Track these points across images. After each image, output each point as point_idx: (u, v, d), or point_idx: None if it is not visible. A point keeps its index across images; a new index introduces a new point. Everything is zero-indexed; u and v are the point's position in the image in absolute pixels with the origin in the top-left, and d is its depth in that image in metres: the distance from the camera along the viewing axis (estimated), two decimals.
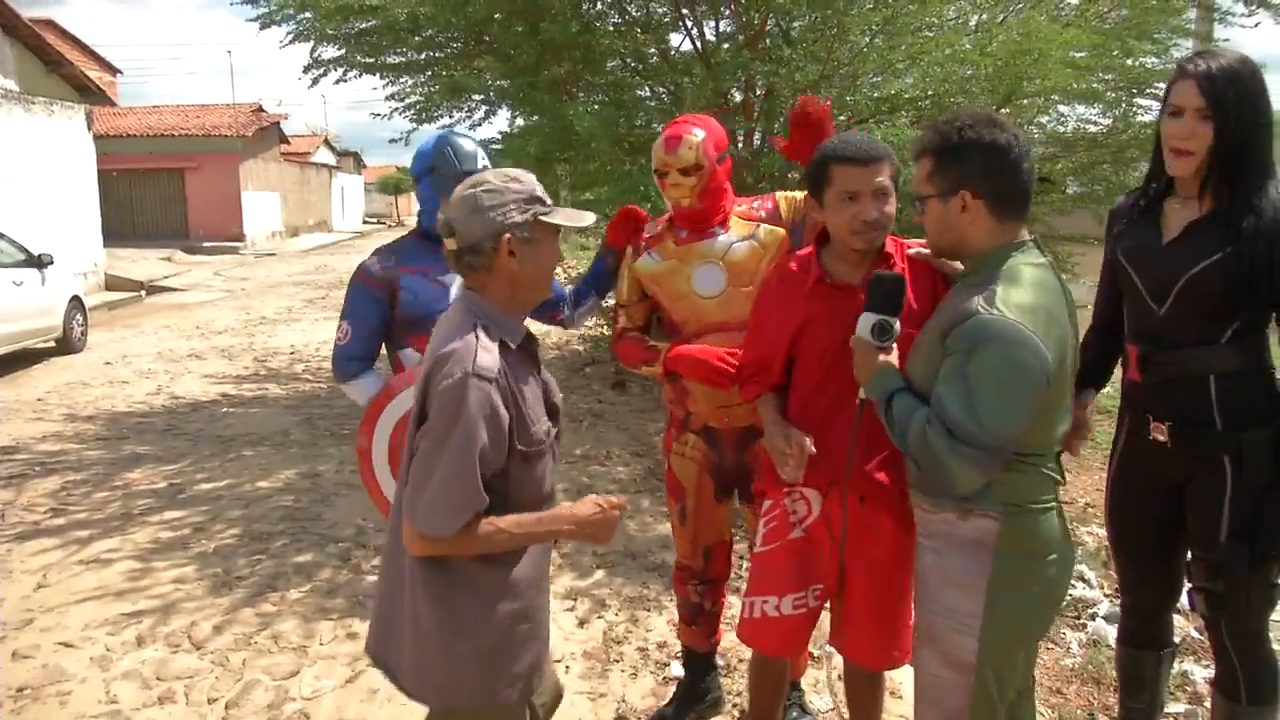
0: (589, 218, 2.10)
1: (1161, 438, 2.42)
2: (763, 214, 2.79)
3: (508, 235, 1.87)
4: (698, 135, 2.67)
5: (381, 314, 2.83)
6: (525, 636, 1.99)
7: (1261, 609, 2.35)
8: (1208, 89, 2.22)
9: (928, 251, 2.34)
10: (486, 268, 1.89)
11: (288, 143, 36.60)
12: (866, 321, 2.07)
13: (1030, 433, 1.93)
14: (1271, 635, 2.49)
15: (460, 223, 1.88)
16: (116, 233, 21.35)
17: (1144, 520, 2.57)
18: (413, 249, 2.89)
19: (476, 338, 1.85)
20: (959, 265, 2.33)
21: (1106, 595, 3.98)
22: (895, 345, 2.09)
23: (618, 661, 3.58)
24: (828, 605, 2.49)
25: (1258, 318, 2.32)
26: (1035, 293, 1.91)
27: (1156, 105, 6.44)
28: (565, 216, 1.98)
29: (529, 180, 1.94)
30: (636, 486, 5.65)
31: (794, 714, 3.08)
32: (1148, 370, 2.42)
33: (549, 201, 1.96)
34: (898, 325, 2.07)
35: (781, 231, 2.75)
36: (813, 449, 2.25)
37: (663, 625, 3.84)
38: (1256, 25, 6.95)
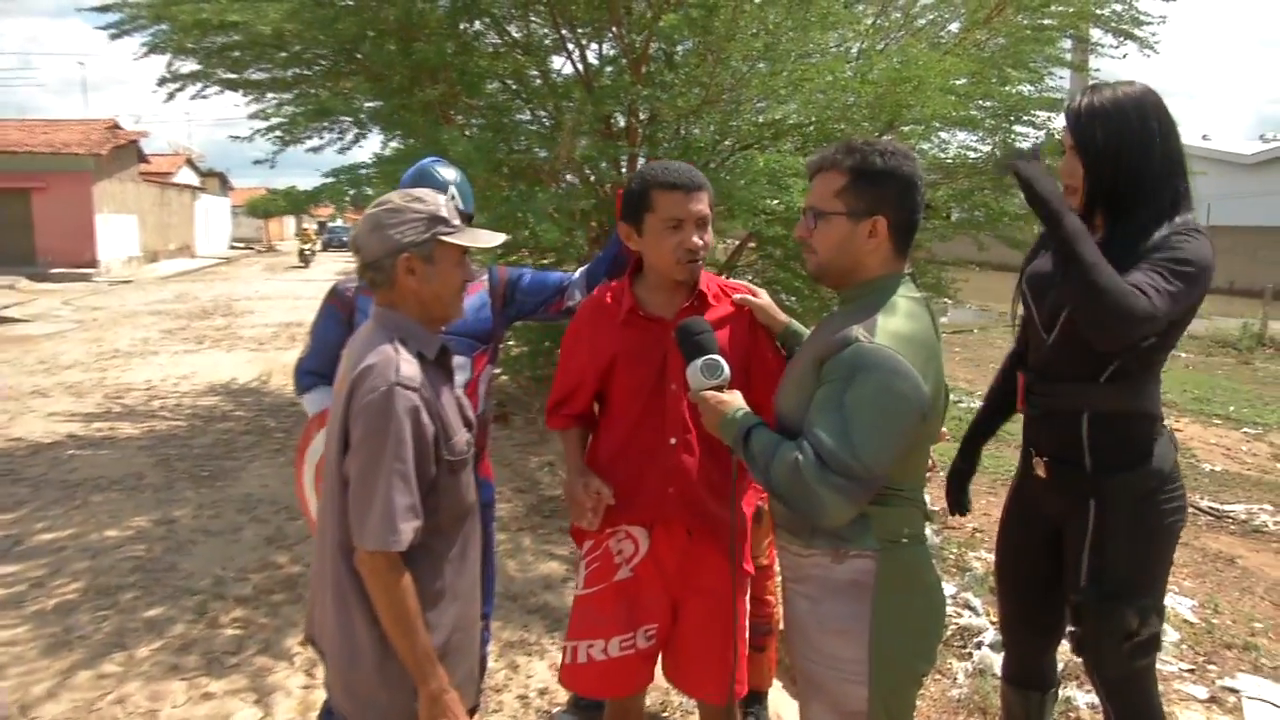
0: (497, 238, 2.14)
1: (1041, 472, 2.47)
2: None
3: (406, 254, 1.96)
4: None
5: (341, 333, 2.90)
6: (459, 646, 2.08)
7: (1118, 658, 2.34)
8: (1074, 125, 2.31)
9: (758, 300, 2.42)
10: (388, 284, 1.99)
11: (147, 162, 35.32)
12: (695, 367, 2.10)
13: (903, 466, 1.98)
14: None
15: (361, 239, 1.99)
16: None
17: (1025, 557, 2.62)
18: None
19: (396, 350, 1.93)
20: (782, 318, 2.43)
21: (993, 623, 4.10)
22: (730, 383, 2.11)
23: (497, 711, 3.52)
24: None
25: (1143, 360, 2.31)
26: (913, 326, 1.96)
27: (1033, 132, 6.82)
28: (469, 237, 2.04)
29: (434, 201, 2.02)
30: (518, 524, 5.58)
31: None
32: (1030, 400, 2.49)
33: (456, 222, 2.03)
34: (724, 362, 2.10)
35: None
36: (611, 499, 2.32)
37: (545, 671, 3.79)
38: (1124, 56, 7.41)
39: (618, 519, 2.41)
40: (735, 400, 2.07)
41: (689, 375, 2.10)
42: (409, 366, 1.92)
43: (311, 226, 44.89)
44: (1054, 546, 2.51)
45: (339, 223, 49.64)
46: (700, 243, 2.30)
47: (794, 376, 2.06)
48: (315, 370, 2.96)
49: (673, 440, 2.38)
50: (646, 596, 2.42)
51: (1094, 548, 2.35)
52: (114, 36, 7.18)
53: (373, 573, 1.88)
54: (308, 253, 36.55)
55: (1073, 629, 2.41)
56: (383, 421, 1.86)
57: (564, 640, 2.52)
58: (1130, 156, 2.25)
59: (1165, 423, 2.42)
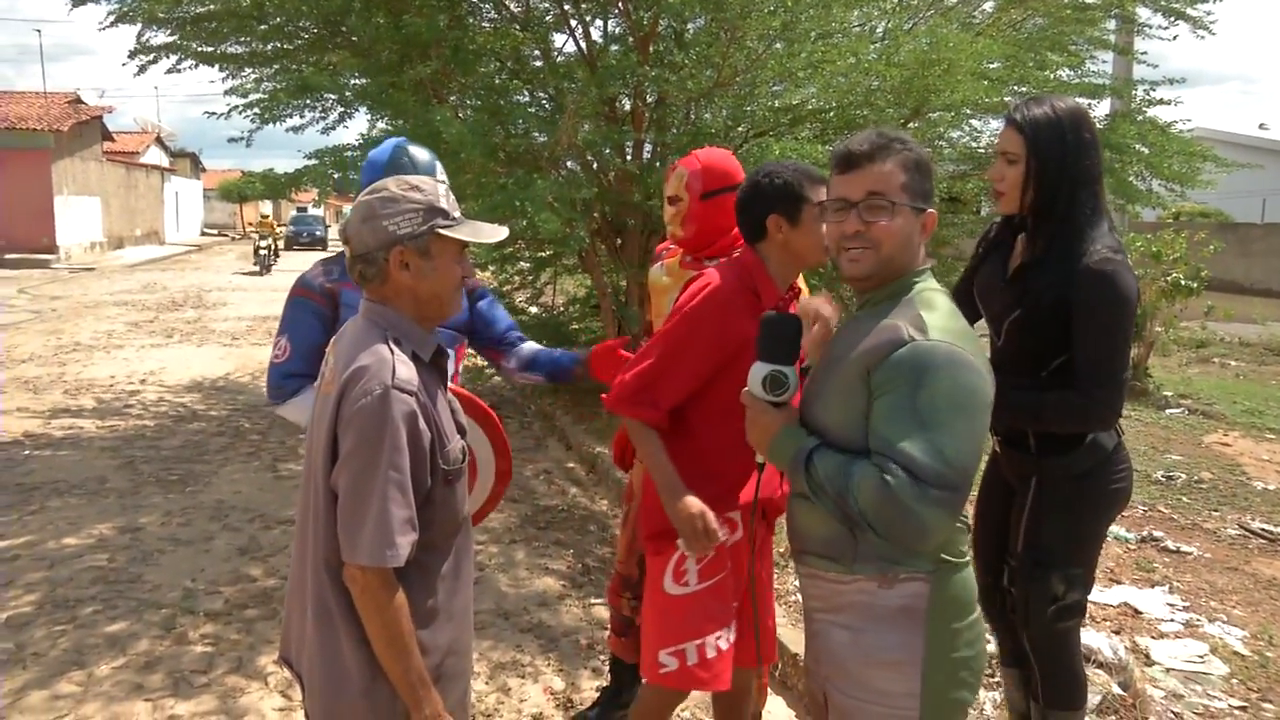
0: (499, 232, 2.11)
1: (998, 449, 2.92)
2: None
3: (400, 247, 1.94)
4: (684, 171, 3.00)
5: (324, 329, 2.89)
6: (452, 671, 2.09)
7: (1042, 619, 2.74)
8: (1029, 135, 2.62)
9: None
10: (380, 279, 1.97)
11: (112, 140, 35.49)
12: (759, 373, 2.05)
13: None
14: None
15: (352, 229, 1.97)
16: None
17: (987, 525, 2.97)
18: None
19: (391, 351, 1.92)
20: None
21: None
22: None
23: None
24: None
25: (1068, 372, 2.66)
26: (958, 318, 1.97)
27: None
28: (470, 231, 2.02)
29: (432, 189, 1.99)
30: (511, 536, 5.60)
31: None
32: None
33: (455, 213, 2.01)
34: (794, 377, 2.05)
35: None
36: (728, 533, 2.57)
37: (538, 694, 3.81)
38: (1175, 38, 7.44)
39: (725, 508, 2.60)
40: (788, 420, 2.04)
41: (751, 373, 2.07)
42: (405, 368, 1.91)
43: (271, 216, 34.59)
44: (1006, 516, 2.89)
45: (315, 210, 41.88)
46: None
47: (834, 390, 2.00)
48: (301, 372, 2.89)
49: None
50: (737, 576, 2.67)
51: (1031, 519, 2.75)
52: (76, 3, 7.20)
53: (365, 590, 1.87)
54: (265, 251, 27.45)
55: (1010, 589, 2.83)
56: (378, 428, 1.84)
57: (677, 644, 2.61)
58: (1072, 166, 2.61)
59: None
